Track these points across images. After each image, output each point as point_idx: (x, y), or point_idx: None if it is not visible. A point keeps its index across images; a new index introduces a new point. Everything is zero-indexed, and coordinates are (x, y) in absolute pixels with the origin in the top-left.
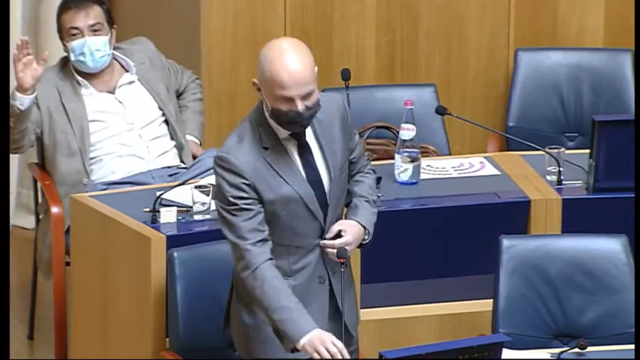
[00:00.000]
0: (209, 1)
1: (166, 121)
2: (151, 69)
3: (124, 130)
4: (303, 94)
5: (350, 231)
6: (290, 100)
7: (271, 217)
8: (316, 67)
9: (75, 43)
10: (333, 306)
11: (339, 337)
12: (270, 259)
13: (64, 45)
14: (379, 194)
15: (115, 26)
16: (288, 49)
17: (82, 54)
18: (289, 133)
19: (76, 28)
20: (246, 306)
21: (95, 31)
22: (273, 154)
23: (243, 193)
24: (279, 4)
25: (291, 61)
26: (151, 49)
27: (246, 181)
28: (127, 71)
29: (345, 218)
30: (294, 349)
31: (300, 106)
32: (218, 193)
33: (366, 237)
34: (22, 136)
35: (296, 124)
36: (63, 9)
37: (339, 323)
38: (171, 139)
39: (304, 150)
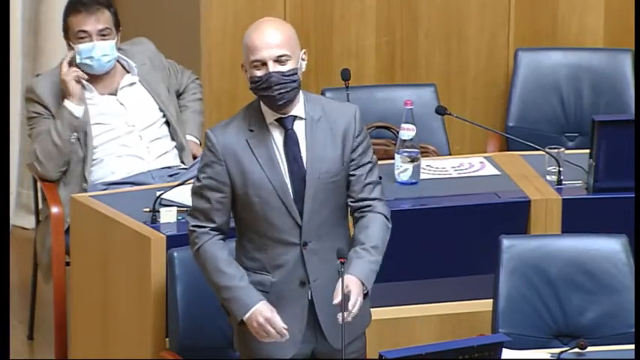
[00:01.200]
0: (209, 1)
1: (167, 122)
2: (152, 70)
3: (125, 132)
4: (274, 56)
5: (353, 286)
6: (263, 64)
7: (244, 202)
8: (305, 52)
9: (82, 47)
10: (312, 313)
11: (314, 345)
12: (213, 237)
13: (69, 45)
14: None
15: (120, 28)
16: (265, 21)
17: (90, 58)
18: (275, 118)
19: (85, 32)
20: None
21: (104, 35)
22: (256, 137)
23: (212, 173)
24: (279, 4)
25: (264, 28)
26: (152, 50)
27: (218, 161)
28: (127, 72)
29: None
30: (241, 322)
31: (273, 67)
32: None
33: (367, 289)
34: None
35: (270, 88)
36: (72, 11)
37: (314, 331)
38: (172, 139)
39: (290, 141)
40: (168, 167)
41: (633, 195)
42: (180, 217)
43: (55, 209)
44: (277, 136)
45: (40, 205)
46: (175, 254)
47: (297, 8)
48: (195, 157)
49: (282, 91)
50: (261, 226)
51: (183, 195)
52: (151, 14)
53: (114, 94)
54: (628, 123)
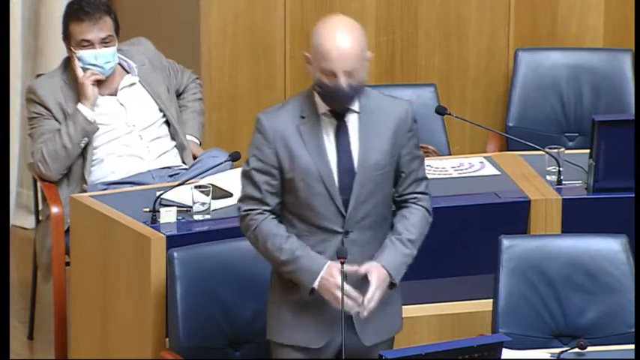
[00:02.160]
0: (209, 1)
1: (167, 122)
2: (152, 70)
3: (125, 133)
4: (347, 69)
5: (374, 277)
6: (333, 74)
7: (290, 186)
8: (369, 53)
9: (84, 53)
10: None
11: (342, 337)
12: (267, 216)
13: (70, 50)
14: None
15: (119, 31)
16: (340, 25)
17: (92, 65)
18: (328, 109)
19: (88, 41)
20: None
21: (106, 42)
22: (307, 124)
23: (261, 156)
24: (279, 4)
25: (339, 36)
26: (151, 50)
27: (267, 144)
28: (127, 72)
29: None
30: (312, 292)
31: (343, 81)
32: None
33: (394, 280)
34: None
35: (337, 100)
36: (74, 18)
37: (346, 324)
38: (172, 139)
39: (341, 132)
40: (169, 167)
41: (633, 195)
42: (180, 217)
43: (55, 209)
44: (328, 126)
45: (40, 205)
46: (175, 254)
47: (297, 8)
48: (195, 158)
49: (346, 100)
50: (303, 211)
51: (183, 195)
52: (151, 14)
53: (114, 94)
54: (628, 123)
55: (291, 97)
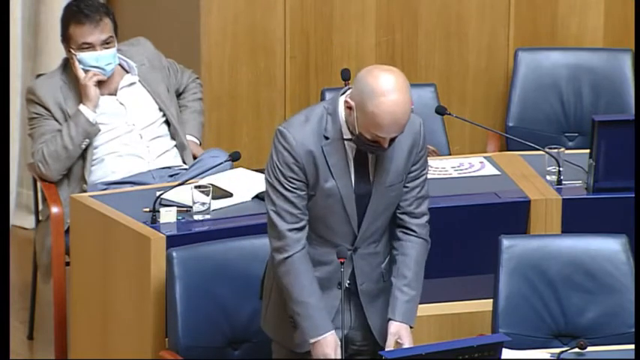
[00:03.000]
0: (209, 1)
1: (167, 122)
2: (151, 70)
3: (125, 132)
4: (394, 135)
5: (405, 338)
6: (381, 138)
7: (310, 201)
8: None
9: (85, 56)
10: (360, 315)
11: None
12: (304, 247)
13: (70, 52)
14: None
15: (117, 31)
16: (396, 90)
17: (94, 67)
18: (353, 138)
19: (89, 43)
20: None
21: (107, 44)
22: (331, 146)
23: (292, 174)
24: (279, 4)
25: (396, 108)
26: (150, 50)
27: (297, 163)
28: (127, 72)
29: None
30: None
31: (386, 144)
32: (269, 165)
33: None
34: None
35: (372, 152)
36: (74, 21)
37: (361, 331)
38: (172, 139)
39: (361, 157)
40: (169, 167)
41: (633, 195)
42: (180, 217)
43: (55, 209)
44: (349, 148)
45: (40, 205)
46: (174, 254)
47: (297, 8)
48: (195, 158)
49: (382, 153)
50: (318, 226)
51: (183, 195)
52: (151, 14)
53: (113, 94)
54: (628, 123)
55: (311, 111)
